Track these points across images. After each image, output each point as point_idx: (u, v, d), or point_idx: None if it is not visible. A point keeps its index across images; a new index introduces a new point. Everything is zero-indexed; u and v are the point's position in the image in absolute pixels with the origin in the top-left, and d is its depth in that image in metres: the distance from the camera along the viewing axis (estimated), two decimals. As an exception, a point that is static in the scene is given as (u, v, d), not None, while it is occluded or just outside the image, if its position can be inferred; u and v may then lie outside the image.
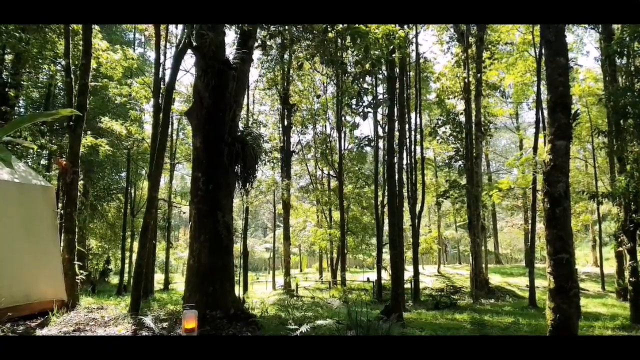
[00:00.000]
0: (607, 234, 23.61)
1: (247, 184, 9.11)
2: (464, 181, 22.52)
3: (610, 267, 21.95)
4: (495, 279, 23.01)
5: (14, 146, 10.28)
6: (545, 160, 5.61)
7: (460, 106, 23.88)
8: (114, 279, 24.69)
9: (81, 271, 9.70)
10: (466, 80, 21.42)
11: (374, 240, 24.88)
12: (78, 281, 9.13)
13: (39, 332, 6.47)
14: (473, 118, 21.41)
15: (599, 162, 22.38)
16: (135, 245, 17.24)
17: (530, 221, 18.83)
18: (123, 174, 23.67)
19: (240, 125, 9.79)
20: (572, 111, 5.72)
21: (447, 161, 26.05)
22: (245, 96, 13.23)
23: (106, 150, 15.04)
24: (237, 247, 19.77)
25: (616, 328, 10.68)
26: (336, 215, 25.87)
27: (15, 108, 15.71)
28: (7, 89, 13.95)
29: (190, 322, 4.37)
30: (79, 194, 9.94)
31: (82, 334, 6.52)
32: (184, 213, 27.66)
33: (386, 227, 19.09)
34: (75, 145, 9.38)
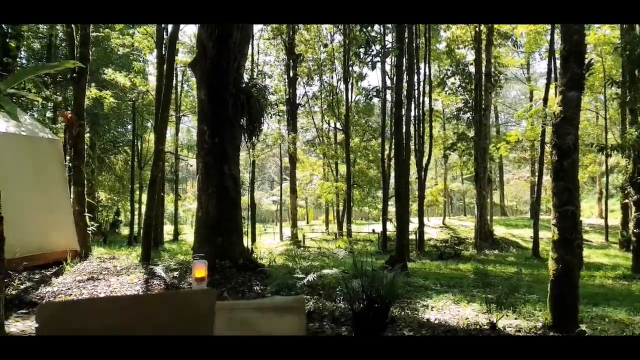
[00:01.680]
0: (613, 186, 23.57)
1: (253, 137, 9.08)
2: (471, 134, 22.30)
3: (615, 219, 22.05)
4: (499, 231, 23.25)
5: (18, 98, 10.23)
6: (556, 112, 5.50)
7: (471, 56, 23.26)
8: (124, 230, 25.22)
9: (92, 222, 9.90)
10: (477, 28, 20.74)
11: (379, 193, 25.03)
12: (89, 232, 9.34)
13: (55, 280, 6.68)
14: (483, 68, 20.90)
15: (611, 114, 21.98)
16: (144, 197, 17.48)
17: (537, 174, 18.77)
18: (129, 127, 23.65)
19: (245, 77, 9.64)
20: (586, 61, 5.56)
21: (455, 113, 25.70)
22: (250, 46, 12.94)
23: (111, 102, 14.94)
24: (245, 199, 19.98)
25: (617, 278, 10.86)
26: (342, 168, 25.91)
27: (17, 60, 15.51)
28: (7, 40, 13.72)
29: (200, 271, 4.48)
30: (85, 146, 9.98)
31: (96, 282, 6.73)
32: (191, 166, 27.81)
33: (392, 180, 19.14)
34: (79, 98, 9.32)
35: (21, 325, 4.39)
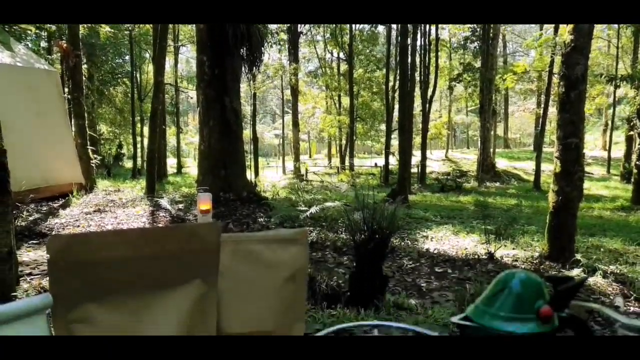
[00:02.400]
0: (620, 118, 23.28)
1: (254, 68, 8.85)
2: (478, 64, 21.68)
3: (619, 151, 21.98)
4: (501, 163, 23.30)
5: (10, 27, 9.88)
6: (566, 40, 5.30)
7: (481, -19, 22.02)
8: (128, 163, 25.38)
9: (95, 155, 9.93)
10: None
11: (383, 127, 24.82)
12: (93, 165, 9.39)
13: (62, 212, 6.81)
14: (493, -6, 19.89)
15: (623, 42, 21.21)
16: (146, 130, 17.39)
17: (542, 105, 18.47)
18: (127, 58, 23.02)
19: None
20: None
21: (462, 42, 24.82)
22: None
23: (107, 32, 14.43)
24: (247, 133, 19.88)
25: (615, 209, 11.01)
26: (345, 101, 25.50)
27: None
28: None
29: (205, 203, 4.54)
30: (83, 78, 9.77)
31: (103, 214, 6.86)
32: (192, 98, 27.41)
33: (396, 113, 18.89)
34: (73, 27, 8.99)
35: (33, 255, 4.53)
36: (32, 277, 3.96)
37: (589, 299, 4.08)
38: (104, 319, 0.70)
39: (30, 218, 6.37)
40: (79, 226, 6.07)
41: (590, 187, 15.47)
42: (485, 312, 0.67)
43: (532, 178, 17.59)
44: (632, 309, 3.95)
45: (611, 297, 4.18)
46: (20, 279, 3.78)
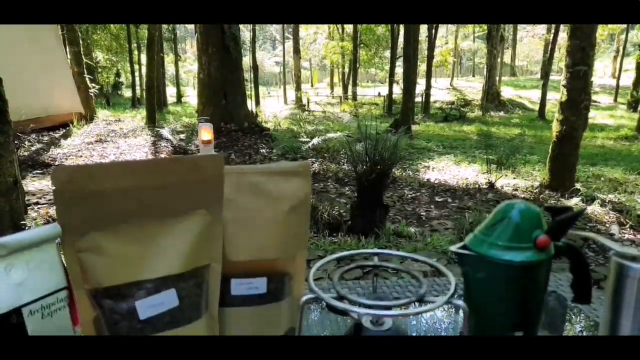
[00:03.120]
0: (632, 44, 22.49)
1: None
2: (488, -14, 20.57)
3: (628, 79, 21.46)
4: (507, 92, 22.89)
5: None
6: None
7: None
8: (127, 92, 25.01)
9: (93, 84, 9.76)
10: None
11: (387, 54, 24.08)
12: (92, 94, 9.26)
13: (64, 142, 6.82)
14: None
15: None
16: (143, 58, 16.95)
17: (552, 31, 17.79)
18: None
19: None
20: None
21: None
22: None
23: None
24: (246, 60, 19.36)
25: (619, 138, 10.96)
26: (349, 26, 24.54)
27: None
28: None
29: (206, 134, 4.52)
30: (75, 3, 9.37)
31: (105, 144, 6.87)
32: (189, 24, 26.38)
33: (401, 39, 18.24)
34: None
35: (38, 185, 4.60)
36: (39, 206, 4.05)
37: (585, 227, 4.17)
38: (112, 248, 0.72)
39: (33, 148, 6.39)
40: (81, 156, 6.10)
41: (595, 117, 15.30)
42: (483, 241, 0.69)
43: (537, 107, 17.35)
44: (627, 236, 4.06)
45: (607, 225, 4.28)
46: (28, 207, 3.87)
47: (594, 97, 19.42)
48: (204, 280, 0.80)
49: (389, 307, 0.66)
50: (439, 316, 0.99)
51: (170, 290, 0.74)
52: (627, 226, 4.27)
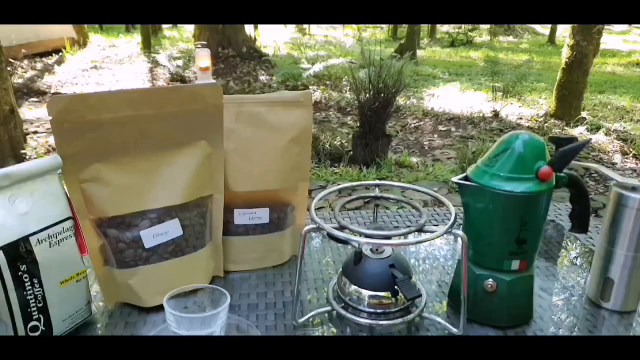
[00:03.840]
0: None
1: None
2: None
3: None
4: (517, 16, 21.91)
5: None
6: None
7: None
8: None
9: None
10: None
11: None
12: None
13: (58, 69, 6.67)
14: None
15: None
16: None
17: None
18: None
19: None
20: None
21: None
22: None
23: None
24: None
25: (630, 64, 10.66)
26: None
27: None
28: None
29: (203, 60, 4.39)
30: None
31: (100, 71, 6.72)
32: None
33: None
34: None
35: (35, 113, 4.56)
36: (38, 135, 4.04)
37: (588, 156, 4.18)
38: (114, 179, 0.72)
39: (26, 75, 6.26)
40: (77, 84, 5.99)
41: (607, 42, 14.75)
42: (485, 172, 0.69)
43: (548, 31, 16.71)
44: (629, 165, 4.07)
45: (610, 155, 4.28)
46: (27, 136, 3.86)
47: (607, 21, 18.59)
48: (207, 210, 0.81)
49: (388, 237, 0.67)
50: (438, 245, 1.01)
51: (174, 220, 0.76)
52: (630, 155, 4.27)
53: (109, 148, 0.71)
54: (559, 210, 1.20)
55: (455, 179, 0.71)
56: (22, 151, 3.56)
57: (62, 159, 0.67)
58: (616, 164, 4.05)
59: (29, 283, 0.60)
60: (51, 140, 3.73)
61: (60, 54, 7.42)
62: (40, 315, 0.62)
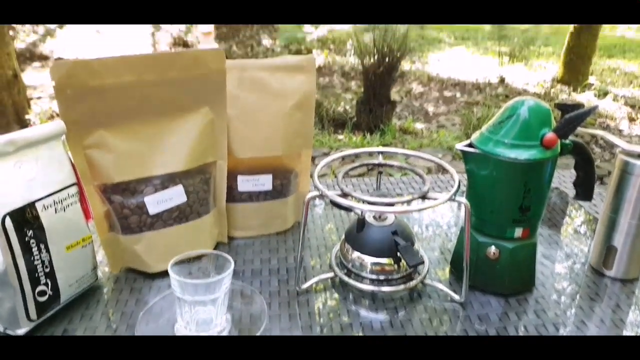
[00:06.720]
0: None
1: None
2: None
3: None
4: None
5: None
6: None
7: None
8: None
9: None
10: None
11: None
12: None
13: (59, 32, 6.56)
14: None
15: None
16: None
17: None
18: None
19: None
20: None
21: None
22: None
23: None
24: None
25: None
26: None
27: None
28: None
29: (206, 25, 4.31)
30: None
31: (102, 35, 6.61)
32: None
33: None
34: None
35: (39, 77, 4.52)
36: (42, 100, 4.01)
37: (595, 122, 4.13)
38: (118, 145, 0.72)
39: (28, 39, 6.17)
40: (79, 48, 5.91)
41: (619, 4, 14.31)
42: (489, 139, 0.68)
43: (558, -6, 16.23)
44: (636, 132, 4.03)
45: (618, 121, 4.23)
46: (31, 102, 3.84)
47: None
48: (210, 176, 0.82)
49: (391, 204, 0.68)
50: (441, 212, 1.01)
51: (178, 186, 0.76)
52: (638, 121, 4.22)
53: (112, 114, 0.70)
54: (564, 177, 1.20)
55: (459, 145, 0.70)
56: (26, 117, 3.55)
57: (66, 125, 0.67)
58: (623, 130, 4.01)
59: (35, 248, 0.61)
60: (55, 106, 3.71)
61: (60, 17, 7.29)
62: (48, 280, 0.63)
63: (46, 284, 0.63)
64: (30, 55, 5.52)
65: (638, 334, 0.66)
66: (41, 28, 6.75)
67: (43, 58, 5.47)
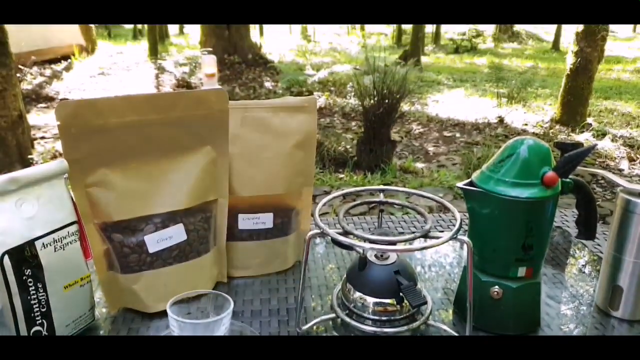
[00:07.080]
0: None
1: None
2: None
3: (650, 9, 20.38)
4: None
5: None
6: None
7: None
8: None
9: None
10: None
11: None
12: (92, 25, 8.99)
13: (66, 75, 6.72)
14: None
15: None
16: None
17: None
18: None
19: None
20: None
21: None
22: None
23: None
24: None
25: (635, 71, 10.62)
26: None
27: None
28: None
29: (210, 67, 4.42)
30: None
31: (107, 77, 6.76)
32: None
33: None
34: None
35: (43, 119, 4.59)
36: (45, 140, 4.06)
37: (595, 162, 4.15)
38: (120, 184, 0.72)
39: (35, 81, 6.31)
40: (84, 90, 6.03)
41: (612, 48, 14.71)
42: (490, 177, 0.68)
43: (552, 38, 16.69)
44: (636, 171, 4.04)
45: (617, 161, 4.25)
46: (34, 142, 3.88)
47: (611, 27, 18.57)
48: (211, 215, 0.81)
49: (393, 243, 0.67)
50: (444, 251, 1.00)
51: (178, 225, 0.76)
52: (638, 161, 4.24)
53: (115, 153, 0.71)
54: (566, 216, 1.19)
55: (460, 184, 0.70)
56: (30, 156, 3.58)
57: (69, 164, 0.67)
58: (623, 170, 4.02)
59: (33, 287, 0.60)
60: (58, 146, 3.75)
61: (69, 60, 7.48)
62: (44, 320, 0.62)
63: (42, 324, 0.61)
64: (36, 96, 5.63)
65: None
66: (48, 70, 6.92)
67: (49, 99, 5.58)
